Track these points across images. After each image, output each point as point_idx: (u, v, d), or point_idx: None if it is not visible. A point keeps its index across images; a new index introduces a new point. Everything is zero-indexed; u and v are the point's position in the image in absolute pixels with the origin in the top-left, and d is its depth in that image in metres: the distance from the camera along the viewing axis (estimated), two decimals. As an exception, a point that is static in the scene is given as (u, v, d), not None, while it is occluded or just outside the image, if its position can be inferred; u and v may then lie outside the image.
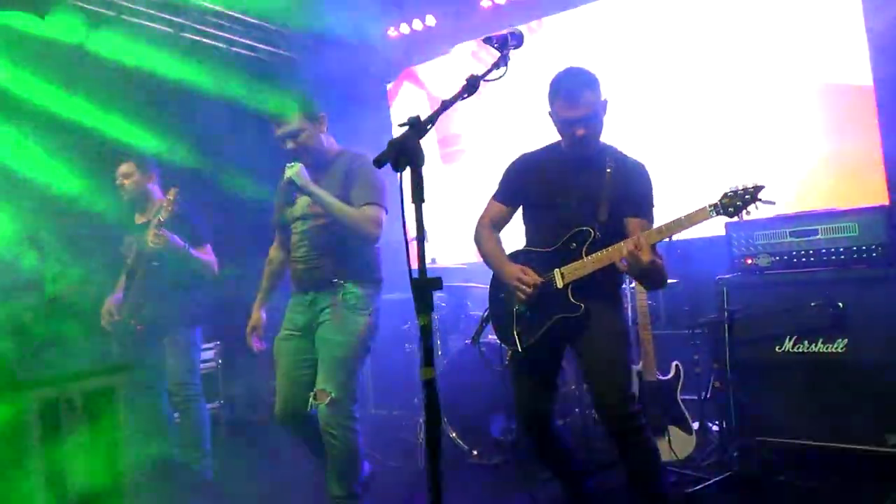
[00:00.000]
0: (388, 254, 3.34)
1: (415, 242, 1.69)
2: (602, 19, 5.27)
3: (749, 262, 3.77)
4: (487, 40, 2.11)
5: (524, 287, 2.67)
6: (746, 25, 4.58)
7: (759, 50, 4.53)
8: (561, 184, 2.77)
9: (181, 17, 5.76)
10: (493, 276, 2.96)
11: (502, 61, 2.07)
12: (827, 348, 3.45)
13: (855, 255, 3.48)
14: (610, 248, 2.59)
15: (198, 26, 5.88)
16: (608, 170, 2.70)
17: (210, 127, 5.82)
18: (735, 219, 2.45)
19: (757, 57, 4.54)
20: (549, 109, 2.75)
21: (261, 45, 6.51)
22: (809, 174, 4.34)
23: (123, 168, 3.97)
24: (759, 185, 2.41)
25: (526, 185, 2.88)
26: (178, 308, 3.82)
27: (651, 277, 2.58)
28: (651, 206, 2.77)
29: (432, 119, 1.77)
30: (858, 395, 3.33)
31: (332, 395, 3.03)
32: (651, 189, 2.78)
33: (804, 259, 3.62)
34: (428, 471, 1.66)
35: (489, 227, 2.96)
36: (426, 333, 1.67)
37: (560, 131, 2.76)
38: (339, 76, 5.88)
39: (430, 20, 5.98)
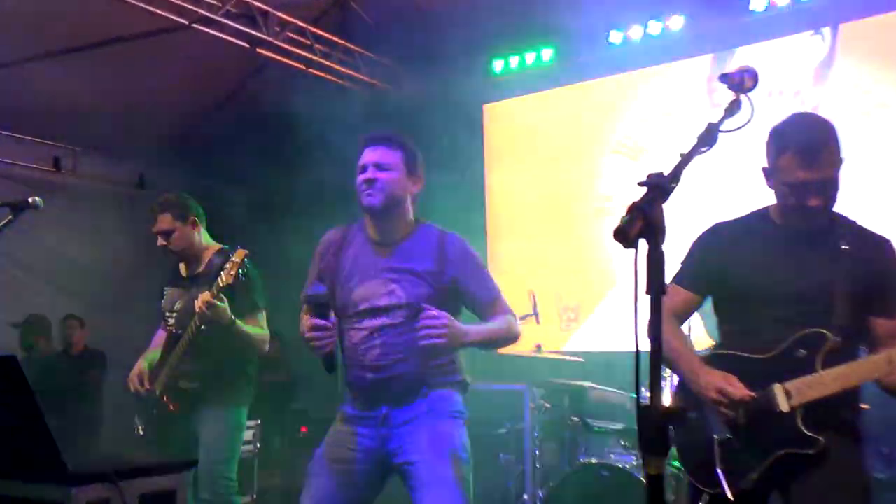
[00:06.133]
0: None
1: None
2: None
3: None
4: (723, 78, 1.62)
5: (727, 403, 2.00)
6: None
7: None
8: (776, 268, 2.12)
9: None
10: (678, 384, 2.30)
11: (737, 106, 1.58)
12: None
13: None
14: (864, 362, 1.97)
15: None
16: (843, 248, 2.04)
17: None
18: None
19: None
20: (768, 164, 2.10)
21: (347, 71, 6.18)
22: None
23: (161, 224, 3.14)
24: None
25: (721, 267, 2.20)
26: (223, 383, 3.08)
27: None
28: None
29: (676, 176, 1.28)
30: None
31: None
32: None
33: None
34: None
35: (670, 319, 2.23)
36: (656, 486, 1.15)
37: (782, 197, 2.09)
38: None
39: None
